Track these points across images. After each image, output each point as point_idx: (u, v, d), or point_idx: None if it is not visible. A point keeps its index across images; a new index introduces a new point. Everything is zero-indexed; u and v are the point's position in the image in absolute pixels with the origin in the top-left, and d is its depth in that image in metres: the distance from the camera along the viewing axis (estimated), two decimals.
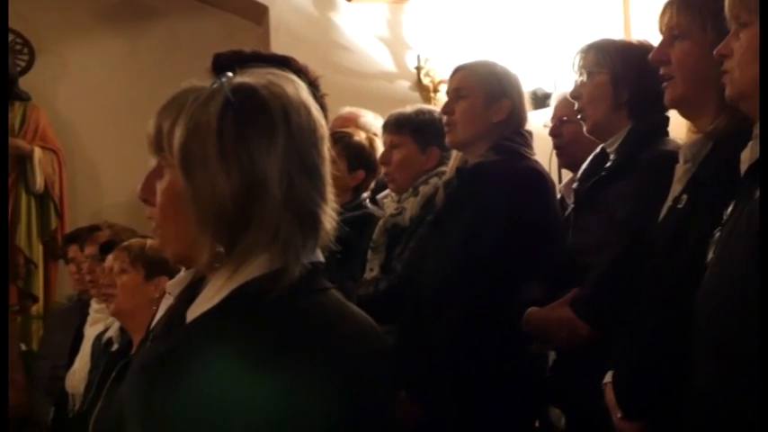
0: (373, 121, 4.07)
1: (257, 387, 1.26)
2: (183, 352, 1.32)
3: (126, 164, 6.14)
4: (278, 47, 5.48)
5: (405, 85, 5.84)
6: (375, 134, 3.83)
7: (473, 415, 2.79)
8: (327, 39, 5.77)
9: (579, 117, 2.88)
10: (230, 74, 1.44)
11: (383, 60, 5.84)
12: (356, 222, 3.27)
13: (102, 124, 6.22)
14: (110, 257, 3.61)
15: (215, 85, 1.42)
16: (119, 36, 6.27)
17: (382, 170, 3.53)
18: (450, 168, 3.19)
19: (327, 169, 1.46)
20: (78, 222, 5.61)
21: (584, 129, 2.87)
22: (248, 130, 1.37)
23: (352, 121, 4.14)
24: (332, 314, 1.42)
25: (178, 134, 1.39)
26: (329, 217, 1.44)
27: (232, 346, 1.29)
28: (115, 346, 3.61)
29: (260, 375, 1.27)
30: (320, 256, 1.46)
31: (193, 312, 1.41)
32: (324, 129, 1.47)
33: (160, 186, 1.45)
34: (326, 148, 1.47)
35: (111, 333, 3.73)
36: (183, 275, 1.78)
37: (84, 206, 6.04)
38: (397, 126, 3.44)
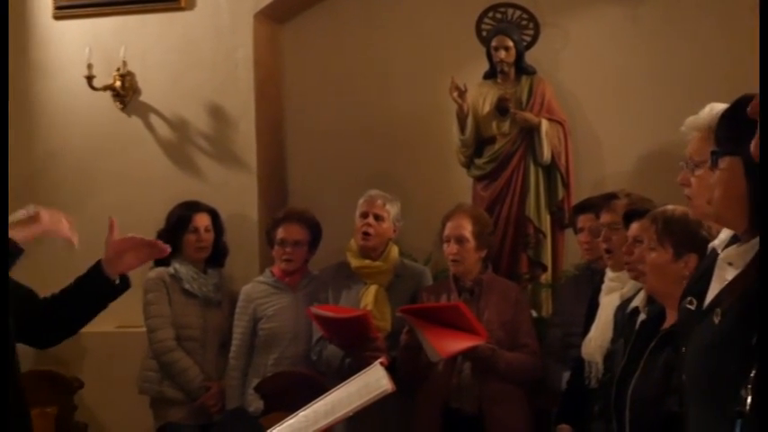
0: None
1: None
2: None
3: (627, 132, 6.10)
4: None
5: None
6: None
7: None
8: None
9: None
10: None
11: None
12: None
13: (603, 93, 6.22)
14: (634, 226, 3.57)
15: None
16: (619, 4, 6.21)
17: None
18: None
19: None
20: (582, 192, 5.66)
21: None
22: None
23: None
24: None
25: None
26: None
27: None
28: (642, 316, 3.57)
29: None
30: None
31: None
32: None
33: None
34: None
35: (638, 302, 3.69)
36: (741, 246, 1.71)
37: (586, 176, 6.06)
38: None
